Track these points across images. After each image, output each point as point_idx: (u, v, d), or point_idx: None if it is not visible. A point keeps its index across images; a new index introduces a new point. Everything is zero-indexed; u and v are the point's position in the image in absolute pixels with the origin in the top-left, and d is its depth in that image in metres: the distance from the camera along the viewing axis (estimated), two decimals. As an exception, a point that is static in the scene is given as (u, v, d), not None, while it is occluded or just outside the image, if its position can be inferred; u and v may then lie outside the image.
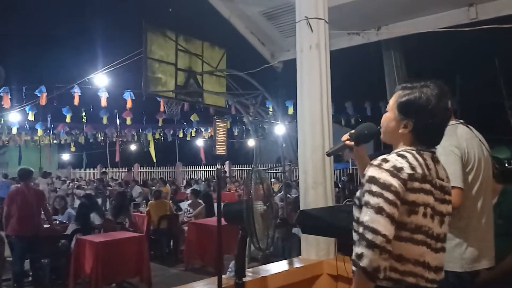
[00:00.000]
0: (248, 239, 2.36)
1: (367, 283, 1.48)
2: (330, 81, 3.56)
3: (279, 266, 3.28)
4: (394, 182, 1.50)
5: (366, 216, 1.49)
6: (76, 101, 11.37)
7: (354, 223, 1.65)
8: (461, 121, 2.33)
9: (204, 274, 6.45)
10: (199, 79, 6.04)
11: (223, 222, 2.45)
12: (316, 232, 2.56)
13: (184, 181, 19.48)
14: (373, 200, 1.49)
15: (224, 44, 6.51)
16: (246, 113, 6.63)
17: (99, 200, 11.63)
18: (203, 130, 19.93)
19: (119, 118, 16.13)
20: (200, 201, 9.10)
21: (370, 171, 1.56)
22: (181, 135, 20.52)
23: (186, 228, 7.93)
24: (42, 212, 6.48)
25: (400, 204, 1.50)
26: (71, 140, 21.74)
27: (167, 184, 14.41)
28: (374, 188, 1.51)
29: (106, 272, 5.60)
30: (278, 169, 8.41)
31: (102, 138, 20.45)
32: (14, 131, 16.36)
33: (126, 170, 20.37)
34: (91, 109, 14.73)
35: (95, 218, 7.15)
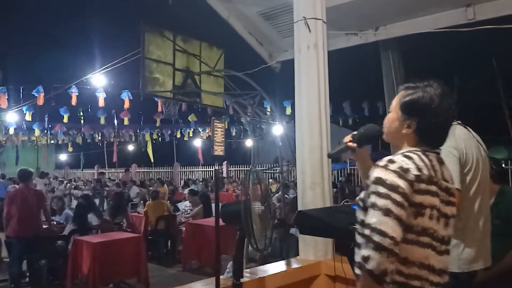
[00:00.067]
0: (246, 239, 2.36)
1: (373, 286, 1.46)
2: (328, 81, 3.56)
3: (277, 267, 3.28)
4: (401, 183, 1.48)
5: (373, 218, 1.46)
6: (73, 101, 11.32)
7: (358, 225, 1.63)
8: (459, 122, 2.33)
9: (201, 275, 6.45)
10: (197, 79, 6.03)
11: (221, 222, 2.45)
12: (314, 233, 2.56)
13: (182, 182, 19.46)
14: (381, 202, 1.47)
15: (222, 44, 6.50)
16: (244, 113, 6.62)
17: (97, 201, 11.59)
18: (200, 130, 19.90)
19: (116, 119, 16.09)
20: (198, 201, 9.09)
21: (376, 172, 1.53)
22: (178, 136, 20.49)
23: (183, 229, 7.92)
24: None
25: (407, 206, 1.48)
26: (69, 140, 21.68)
27: (165, 185, 14.39)
28: (381, 189, 1.48)
29: (104, 273, 5.59)
30: (276, 170, 8.40)
31: (100, 138, 20.40)
32: (12, 131, 16.31)
33: (123, 171, 20.34)
34: (89, 110, 14.70)
35: (92, 219, 7.14)
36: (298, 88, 3.53)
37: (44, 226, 6.60)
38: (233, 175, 20.39)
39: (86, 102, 13.11)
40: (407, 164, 1.53)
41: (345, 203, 2.74)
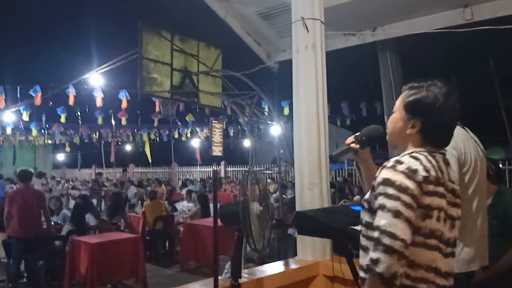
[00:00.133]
0: (244, 240, 2.36)
1: None
2: (326, 81, 3.56)
3: (275, 267, 3.28)
4: (410, 184, 1.46)
5: (382, 220, 1.43)
6: (71, 101, 11.29)
7: (362, 227, 1.60)
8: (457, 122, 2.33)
9: (199, 275, 6.45)
10: (194, 79, 6.02)
11: (219, 223, 2.44)
12: (312, 234, 2.56)
13: (180, 182, 19.44)
14: (390, 203, 1.44)
15: (220, 44, 6.49)
16: (241, 113, 6.62)
17: (94, 201, 11.57)
18: (198, 130, 19.89)
19: (114, 119, 16.05)
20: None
21: (384, 173, 1.51)
22: (176, 136, 20.47)
23: (181, 229, 7.91)
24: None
25: (416, 208, 1.45)
26: (66, 140, 21.62)
27: (163, 185, 14.37)
28: (390, 190, 1.45)
29: (101, 273, 5.57)
30: (274, 170, 8.40)
31: (97, 138, 20.35)
32: (9, 131, 16.25)
33: (121, 171, 20.31)
34: (86, 109, 14.66)
35: (90, 219, 7.13)
36: (296, 88, 3.53)
37: (43, 227, 6.59)
38: (231, 175, 20.39)
39: (84, 102, 13.08)
40: (415, 165, 1.50)
41: (343, 204, 2.75)
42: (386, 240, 1.40)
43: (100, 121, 15.12)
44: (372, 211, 1.53)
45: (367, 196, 1.61)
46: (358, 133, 1.90)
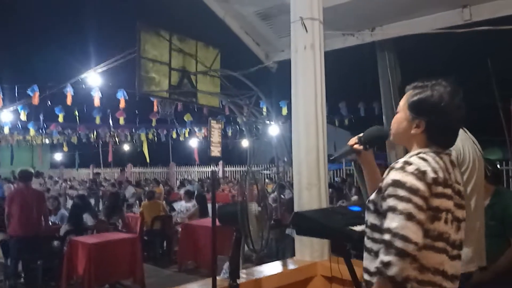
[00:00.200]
0: (242, 240, 2.35)
1: None
2: (324, 81, 3.55)
3: (273, 268, 3.28)
4: (421, 186, 1.44)
5: (394, 222, 1.40)
6: (69, 101, 11.26)
7: (367, 229, 1.58)
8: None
9: (197, 275, 6.44)
10: (193, 79, 6.01)
11: (217, 223, 2.44)
12: (310, 234, 2.56)
13: (178, 182, 19.42)
14: (402, 205, 1.41)
15: (219, 44, 6.48)
16: (240, 113, 6.61)
17: (92, 201, 11.56)
18: (196, 130, 19.87)
19: (112, 118, 16.03)
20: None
21: (393, 175, 1.48)
22: (174, 135, 20.44)
23: (179, 229, 7.90)
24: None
25: (426, 210, 1.44)
26: (64, 139, 21.58)
27: (161, 185, 14.37)
28: (401, 192, 1.43)
29: (99, 274, 5.57)
30: (272, 170, 8.40)
31: (95, 138, 20.32)
32: (6, 130, 16.21)
33: (119, 170, 20.28)
34: (84, 109, 14.64)
35: (88, 219, 7.11)
36: (295, 88, 3.52)
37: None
38: (229, 175, 20.39)
39: (82, 101, 13.06)
40: (424, 166, 1.48)
41: (341, 204, 2.75)
42: (399, 243, 1.37)
43: (98, 120, 15.11)
44: (379, 213, 1.51)
45: (372, 197, 1.59)
46: (361, 134, 1.87)
